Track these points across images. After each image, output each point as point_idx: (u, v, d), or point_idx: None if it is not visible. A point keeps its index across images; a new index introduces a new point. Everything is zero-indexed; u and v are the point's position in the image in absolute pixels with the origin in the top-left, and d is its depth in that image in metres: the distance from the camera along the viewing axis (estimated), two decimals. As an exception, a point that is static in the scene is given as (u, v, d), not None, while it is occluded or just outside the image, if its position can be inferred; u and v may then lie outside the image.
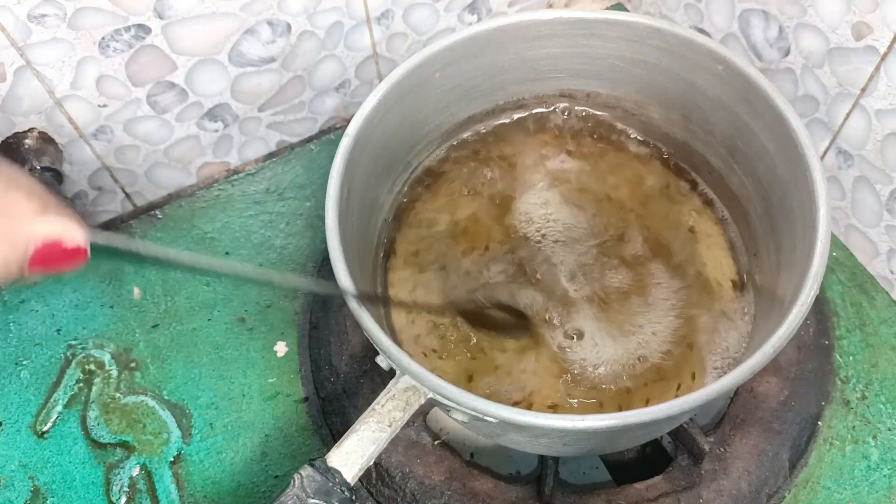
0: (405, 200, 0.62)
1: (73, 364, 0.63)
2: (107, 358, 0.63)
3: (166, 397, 0.61)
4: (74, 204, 0.70)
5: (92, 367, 0.62)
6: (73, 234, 0.32)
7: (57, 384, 0.62)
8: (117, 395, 0.61)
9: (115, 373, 0.62)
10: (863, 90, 0.58)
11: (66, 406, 0.61)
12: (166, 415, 0.61)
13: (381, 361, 0.45)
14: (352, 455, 0.40)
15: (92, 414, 0.60)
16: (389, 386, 0.42)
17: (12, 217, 0.33)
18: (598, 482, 0.59)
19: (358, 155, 0.50)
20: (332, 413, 0.60)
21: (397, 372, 0.43)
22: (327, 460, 0.40)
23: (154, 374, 0.62)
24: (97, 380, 0.62)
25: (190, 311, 0.65)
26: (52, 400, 0.61)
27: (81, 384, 0.62)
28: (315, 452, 0.59)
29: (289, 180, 0.73)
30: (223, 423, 0.60)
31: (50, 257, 0.32)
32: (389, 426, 0.41)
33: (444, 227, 0.61)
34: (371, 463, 0.41)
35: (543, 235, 0.60)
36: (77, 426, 0.60)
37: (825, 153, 0.64)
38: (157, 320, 0.65)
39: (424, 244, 0.61)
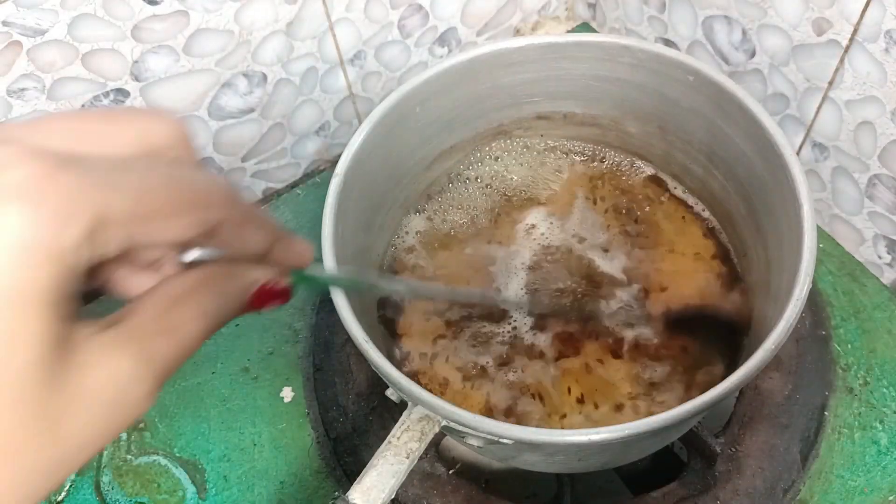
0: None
1: (82, 430, 0.62)
2: (114, 421, 0.63)
3: (178, 454, 0.61)
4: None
5: (100, 431, 0.62)
6: (282, 276, 0.32)
7: (67, 452, 0.61)
8: (129, 457, 0.61)
9: (124, 435, 0.62)
10: (830, 83, 0.60)
11: (78, 474, 0.61)
12: (179, 472, 0.60)
13: (392, 394, 0.46)
14: (373, 490, 0.41)
15: (105, 479, 0.60)
16: (403, 417, 0.43)
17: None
18: (615, 495, 0.59)
19: (347, 194, 0.51)
20: (344, 453, 0.60)
21: (409, 403, 0.43)
22: (349, 497, 0.40)
23: (163, 433, 0.62)
24: (107, 444, 0.62)
25: (193, 366, 0.65)
26: (63, 469, 0.61)
27: (91, 450, 0.61)
28: (331, 494, 0.59)
29: (278, 227, 0.74)
30: (237, 474, 0.60)
31: (261, 299, 0.31)
32: (407, 457, 0.41)
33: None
34: (392, 496, 0.41)
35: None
36: (91, 492, 0.60)
37: (801, 148, 0.66)
38: (161, 378, 0.65)
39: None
